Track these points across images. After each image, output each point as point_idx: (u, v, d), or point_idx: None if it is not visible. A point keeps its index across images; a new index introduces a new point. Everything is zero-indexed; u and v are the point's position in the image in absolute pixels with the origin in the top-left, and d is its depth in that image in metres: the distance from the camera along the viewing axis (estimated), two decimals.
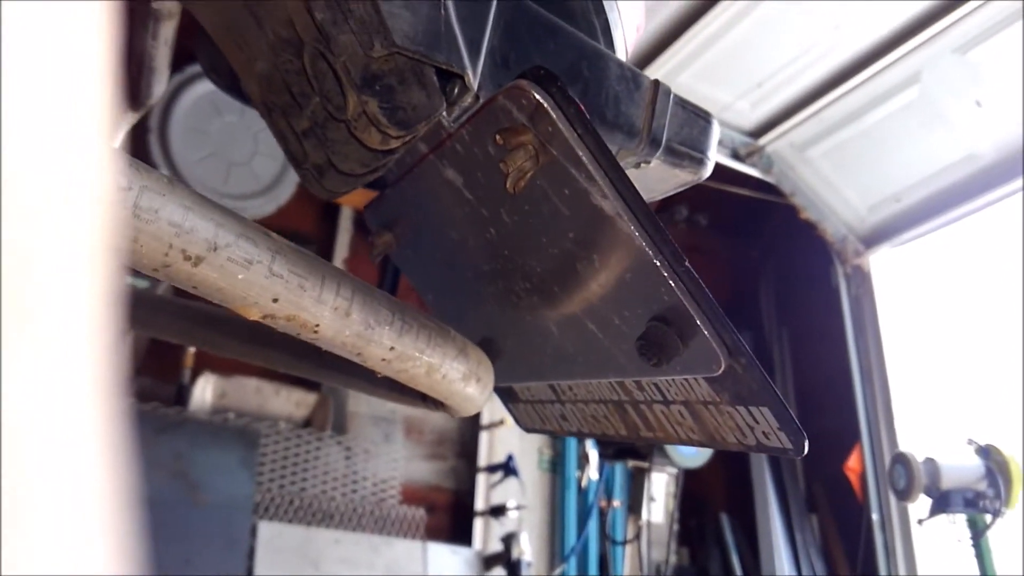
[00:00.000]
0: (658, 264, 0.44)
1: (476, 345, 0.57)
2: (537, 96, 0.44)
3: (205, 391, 3.25)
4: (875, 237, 4.25)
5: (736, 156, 3.86)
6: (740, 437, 0.49)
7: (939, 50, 3.05)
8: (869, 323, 4.32)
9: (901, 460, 3.13)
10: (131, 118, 0.78)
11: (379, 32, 0.44)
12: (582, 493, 4.06)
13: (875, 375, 4.20)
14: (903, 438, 3.99)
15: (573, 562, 4.28)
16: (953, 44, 3.01)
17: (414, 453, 4.01)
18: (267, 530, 3.20)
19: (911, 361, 4.21)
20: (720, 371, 0.45)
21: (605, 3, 0.57)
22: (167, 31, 0.78)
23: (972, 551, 2.90)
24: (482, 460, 4.05)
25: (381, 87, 0.46)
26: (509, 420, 4.25)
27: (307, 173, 0.56)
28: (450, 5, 0.45)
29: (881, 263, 4.27)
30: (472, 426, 4.17)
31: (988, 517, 2.84)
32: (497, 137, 0.45)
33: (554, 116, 0.43)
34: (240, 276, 0.42)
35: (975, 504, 2.90)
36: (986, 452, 3.00)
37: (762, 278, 5.27)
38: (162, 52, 0.78)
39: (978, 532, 2.87)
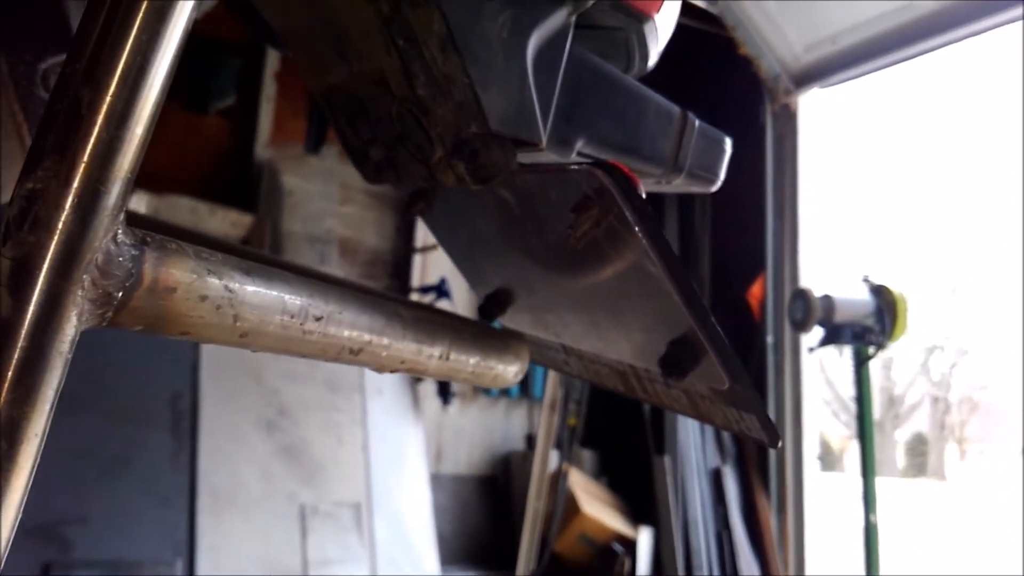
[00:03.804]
0: (687, 313, 0.53)
1: (516, 336, 0.67)
2: (608, 184, 0.51)
3: (137, 209, 3.19)
4: (806, 77, 4.33)
5: None
6: (726, 423, 0.61)
7: None
8: (789, 161, 4.51)
9: (801, 295, 3.42)
10: None
11: (477, 117, 0.50)
12: None
13: (787, 211, 4.46)
14: (805, 272, 4.33)
15: None
16: None
17: (348, 273, 4.10)
18: (210, 346, 3.29)
19: (823, 200, 4.46)
20: (724, 388, 0.56)
21: (647, 34, 0.61)
22: None
23: (853, 376, 3.29)
24: (415, 281, 4.19)
25: (468, 151, 0.53)
26: None
27: (363, 164, 0.62)
28: (532, 83, 0.50)
29: (808, 104, 4.40)
30: (405, 248, 4.27)
31: (872, 349, 3.19)
32: (572, 215, 0.53)
33: (620, 203, 0.51)
34: (384, 354, 0.55)
35: (862, 337, 3.24)
36: (878, 291, 3.29)
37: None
38: None
39: (861, 361, 3.24)
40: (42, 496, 2.64)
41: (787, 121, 4.46)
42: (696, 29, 4.30)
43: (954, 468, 19.62)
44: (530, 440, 4.67)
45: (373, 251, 4.25)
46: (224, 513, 3.09)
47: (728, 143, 0.67)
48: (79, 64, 0.35)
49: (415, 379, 3.99)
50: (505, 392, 4.67)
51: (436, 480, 4.04)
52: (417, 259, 4.23)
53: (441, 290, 3.98)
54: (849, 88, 4.23)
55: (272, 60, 3.97)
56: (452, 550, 4.06)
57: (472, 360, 0.61)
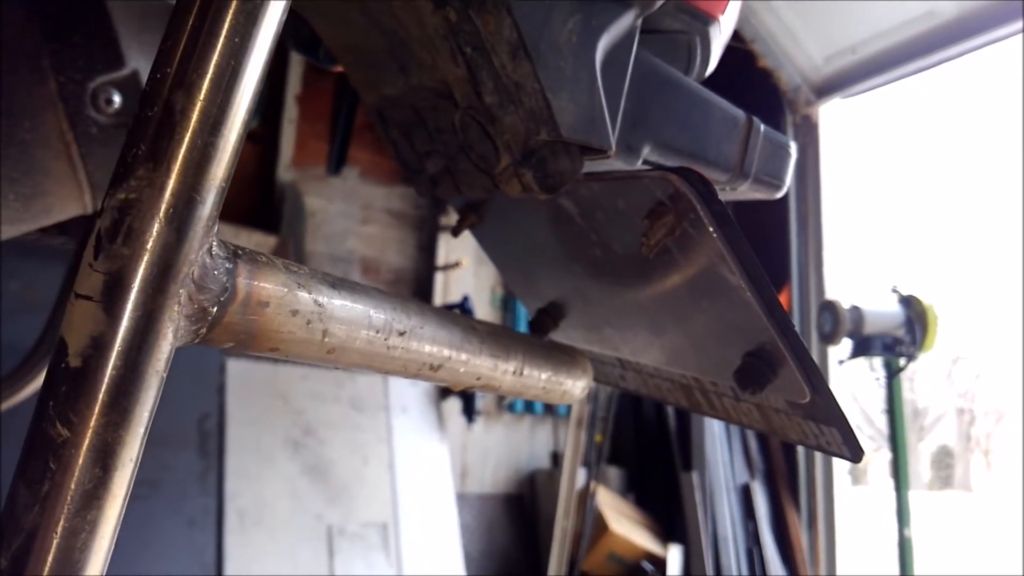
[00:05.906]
0: (769, 323, 0.51)
1: (579, 350, 0.66)
2: (685, 190, 0.49)
3: None
4: (827, 87, 4.31)
5: None
6: (802, 437, 0.58)
7: None
8: (811, 172, 4.47)
9: (829, 307, 3.38)
10: None
11: (547, 123, 0.49)
12: None
13: (811, 223, 4.42)
14: (830, 283, 4.28)
15: None
16: None
17: None
18: (236, 367, 3.30)
19: (847, 211, 4.42)
20: (805, 400, 0.53)
21: (712, 36, 0.60)
22: None
23: (884, 388, 3.24)
24: (437, 299, 4.19)
25: (537, 160, 0.52)
26: (465, 262, 4.34)
27: (418, 178, 0.61)
28: (601, 89, 0.49)
29: (830, 114, 4.37)
30: (427, 267, 4.27)
31: (903, 360, 3.14)
32: (646, 223, 0.51)
33: (698, 208, 0.49)
34: (462, 370, 0.54)
35: (892, 348, 3.18)
36: (907, 301, 3.24)
37: None
38: None
39: (892, 373, 3.19)
40: None
41: (808, 132, 4.43)
42: None
43: (981, 480, 19.27)
44: (555, 458, 4.63)
45: (395, 270, 4.25)
46: (251, 534, 3.08)
47: (793, 148, 0.66)
48: (169, 68, 0.34)
49: (440, 396, 3.98)
50: (530, 409, 4.64)
51: (462, 499, 4.01)
52: (439, 277, 4.22)
53: (464, 308, 3.97)
54: (872, 97, 4.20)
55: (293, 83, 4.00)
56: (479, 570, 4.02)
57: (544, 375, 0.60)
